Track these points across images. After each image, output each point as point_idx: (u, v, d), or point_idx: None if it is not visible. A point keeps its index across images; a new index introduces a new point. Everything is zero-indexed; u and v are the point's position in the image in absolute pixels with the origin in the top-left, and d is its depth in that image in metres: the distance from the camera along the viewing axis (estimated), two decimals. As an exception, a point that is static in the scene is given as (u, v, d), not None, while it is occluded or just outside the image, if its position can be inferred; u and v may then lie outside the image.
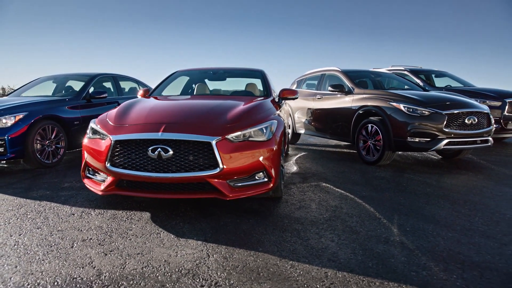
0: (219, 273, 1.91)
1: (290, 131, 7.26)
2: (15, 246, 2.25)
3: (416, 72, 8.12)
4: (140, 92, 4.31)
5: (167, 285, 1.80)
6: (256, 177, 2.81)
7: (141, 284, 1.80)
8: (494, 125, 6.55)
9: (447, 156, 5.52)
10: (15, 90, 6.29)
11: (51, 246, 2.25)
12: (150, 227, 2.59)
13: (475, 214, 2.89)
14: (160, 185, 2.70)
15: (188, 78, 4.89)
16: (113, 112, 3.18)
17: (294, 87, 7.55)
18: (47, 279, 1.85)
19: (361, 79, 5.87)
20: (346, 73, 5.91)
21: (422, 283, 1.82)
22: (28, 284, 1.80)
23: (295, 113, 7.03)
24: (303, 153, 6.08)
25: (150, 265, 2.00)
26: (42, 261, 2.05)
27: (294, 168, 4.74)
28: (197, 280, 1.84)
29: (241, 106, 3.22)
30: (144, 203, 3.11)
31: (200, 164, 2.61)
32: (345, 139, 5.60)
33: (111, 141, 2.71)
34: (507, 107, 6.53)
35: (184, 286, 1.79)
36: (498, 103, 6.56)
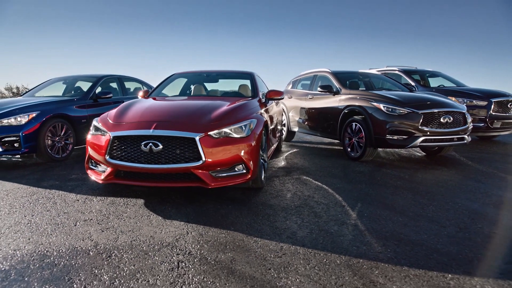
0: (193, 246, 2.32)
1: (285, 128, 7.66)
2: (28, 224, 2.70)
3: (409, 73, 8.39)
4: (140, 93, 4.75)
5: (150, 253, 2.21)
6: (236, 169, 3.21)
7: (129, 252, 2.22)
8: (481, 124, 6.87)
9: (430, 153, 5.83)
10: (29, 90, 6.80)
11: (58, 225, 2.69)
12: (143, 210, 3.01)
13: (431, 203, 3.23)
14: (151, 175, 3.12)
15: (185, 80, 5.31)
16: (113, 111, 3.61)
17: (289, 87, 7.92)
18: (54, 248, 2.29)
19: (349, 80, 6.21)
20: (335, 74, 6.26)
21: (359, 254, 2.19)
22: (39, 251, 2.23)
23: (289, 112, 7.41)
24: (295, 150, 6.46)
25: (138, 239, 2.42)
26: (50, 235, 2.49)
27: (282, 163, 5.12)
28: (175, 250, 2.25)
29: (225, 106, 3.62)
30: (140, 191, 3.54)
31: (185, 157, 3.02)
32: (333, 136, 5.96)
33: (110, 137, 3.14)
34: (492, 106, 6.79)
35: (163, 254, 2.20)
36: (484, 103, 6.83)
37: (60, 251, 2.24)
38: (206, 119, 3.29)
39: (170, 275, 1.94)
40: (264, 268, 2.02)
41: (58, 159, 5.08)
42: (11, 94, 17.60)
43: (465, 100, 6.92)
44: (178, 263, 2.08)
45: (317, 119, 6.39)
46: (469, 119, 5.09)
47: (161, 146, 3.00)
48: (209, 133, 3.09)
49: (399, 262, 2.09)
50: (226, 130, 3.18)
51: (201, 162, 2.99)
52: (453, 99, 6.98)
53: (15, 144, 4.62)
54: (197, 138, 3.01)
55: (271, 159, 5.41)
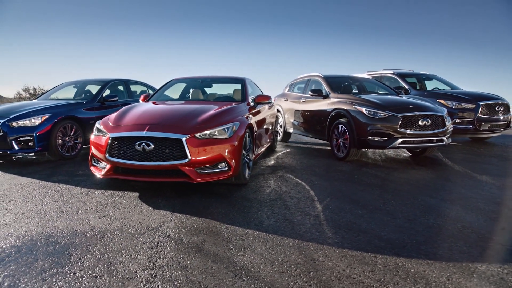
0: (173, 230, 2.75)
1: (282, 130, 8.05)
2: (38, 212, 3.18)
3: (403, 76, 8.66)
4: (141, 97, 5.23)
5: (136, 236, 2.65)
6: (219, 166, 3.63)
7: (119, 234, 2.66)
8: (469, 126, 7.12)
9: (415, 153, 6.14)
10: (44, 93, 7.37)
11: (63, 212, 3.16)
12: (136, 202, 3.46)
13: (393, 198, 3.59)
14: (145, 171, 3.56)
15: (182, 84, 5.76)
16: (113, 115, 4.08)
17: (286, 90, 8.31)
18: (58, 230, 2.75)
19: (339, 84, 6.57)
20: (326, 78, 6.63)
21: (310, 239, 2.58)
22: (45, 233, 2.70)
23: (285, 114, 7.80)
24: (288, 150, 6.85)
25: (128, 225, 2.86)
26: (56, 221, 2.95)
27: (272, 162, 5.52)
28: (157, 234, 2.68)
29: (212, 110, 4.04)
30: (136, 185, 4.00)
31: (174, 156, 3.46)
32: (323, 137, 6.32)
33: (109, 137, 3.60)
34: (480, 109, 7.04)
35: (147, 236, 2.64)
36: (472, 106, 7.08)
37: (63, 232, 2.70)
38: (194, 122, 3.72)
39: (150, 252, 2.38)
40: (227, 248, 2.43)
41: (68, 157, 5.59)
42: (28, 95, 18.46)
43: (454, 103, 7.19)
44: (158, 243, 2.51)
45: (309, 121, 6.76)
46: (448, 122, 5.39)
47: (152, 146, 3.45)
48: (195, 134, 3.51)
49: (342, 245, 2.47)
50: (211, 131, 3.61)
51: (187, 160, 3.42)
52: (443, 102, 7.28)
53: (29, 143, 5.15)
54: (183, 139, 3.44)
55: (263, 158, 5.81)
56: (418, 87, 8.60)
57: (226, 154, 3.60)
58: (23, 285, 1.95)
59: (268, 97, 5.01)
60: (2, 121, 5.08)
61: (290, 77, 7.82)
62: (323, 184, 4.17)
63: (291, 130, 7.68)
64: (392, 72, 8.90)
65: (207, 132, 3.59)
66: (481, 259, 2.27)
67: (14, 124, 5.09)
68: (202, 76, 5.87)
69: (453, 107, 7.16)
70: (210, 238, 2.59)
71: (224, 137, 3.65)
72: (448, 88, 8.69)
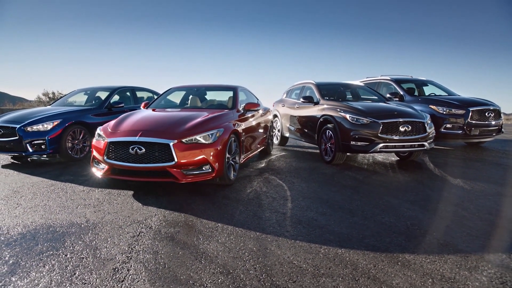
0: (155, 223, 3.18)
1: (279, 134, 8.43)
2: (44, 206, 3.67)
3: (399, 82, 8.90)
4: (142, 104, 5.73)
5: (122, 227, 3.09)
6: (203, 168, 4.05)
7: (109, 225, 3.11)
8: (460, 131, 7.33)
9: (402, 157, 6.42)
10: (58, 99, 7.99)
11: (64, 207, 3.64)
12: (129, 199, 3.92)
13: (361, 199, 3.93)
14: (137, 172, 4.01)
15: (179, 92, 6.24)
16: (112, 122, 4.56)
17: (284, 96, 8.69)
18: (57, 221, 3.22)
19: (329, 91, 6.92)
20: (318, 86, 6.98)
21: (270, 232, 2.96)
22: (47, 223, 3.17)
23: (282, 119, 8.18)
24: (283, 153, 7.23)
25: (117, 218, 3.31)
26: (57, 214, 3.43)
27: (262, 165, 5.91)
28: (141, 225, 3.12)
29: (200, 118, 4.47)
30: (132, 185, 4.46)
31: (162, 158, 3.90)
32: (313, 142, 6.67)
33: (107, 142, 4.08)
34: (470, 115, 7.24)
35: (132, 227, 3.07)
36: (462, 112, 7.29)
37: (62, 223, 3.17)
38: (181, 128, 4.15)
39: (131, 240, 2.81)
40: (196, 238, 2.84)
41: (76, 159, 6.13)
42: (47, 99, 19.52)
43: (444, 109, 7.41)
44: (139, 233, 2.94)
45: (302, 126, 7.12)
46: (430, 128, 5.66)
47: (144, 150, 3.90)
48: (181, 140, 3.95)
49: (296, 238, 2.85)
50: (196, 137, 4.03)
51: (174, 162, 3.86)
52: (434, 107, 7.52)
53: (42, 146, 5.71)
54: (171, 144, 3.88)
55: (256, 160, 6.21)
56: (416, 93, 8.83)
57: (210, 157, 4.02)
58: (24, 263, 2.41)
59: (256, 105, 5.42)
60: (18, 126, 5.66)
61: (293, 83, 8.19)
62: (301, 185, 4.53)
63: (287, 135, 8.05)
64: (389, 78, 9.15)
65: (193, 137, 4.02)
66: (412, 251, 2.61)
67: (28, 128, 5.67)
68: (198, 84, 6.32)
69: (444, 113, 7.38)
70: (184, 230, 3.01)
71: (208, 142, 4.07)
72: (444, 93, 8.89)
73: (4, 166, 5.82)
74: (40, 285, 2.14)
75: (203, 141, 4.05)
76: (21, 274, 2.27)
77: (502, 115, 7.65)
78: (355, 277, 2.22)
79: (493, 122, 7.46)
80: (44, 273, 2.28)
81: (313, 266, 2.36)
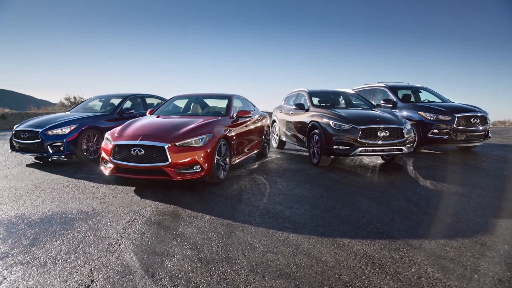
0: (148, 213, 3.84)
1: (277, 138, 9.02)
2: (60, 198, 4.40)
3: (394, 89, 9.33)
4: (148, 111, 6.46)
5: (121, 214, 3.76)
6: (194, 168, 4.69)
7: (110, 213, 3.79)
8: (446, 137, 7.72)
9: (387, 161, 6.90)
10: (77, 105, 8.85)
11: (76, 199, 4.36)
12: (131, 194, 4.60)
13: (330, 196, 4.47)
14: (137, 171, 4.70)
15: (181, 100, 6.95)
16: (119, 127, 5.28)
17: (282, 103, 9.28)
18: (69, 210, 3.93)
19: (319, 99, 7.47)
20: (310, 93, 7.55)
21: (240, 221, 3.56)
22: (61, 211, 3.88)
23: (279, 124, 8.77)
24: (278, 156, 7.82)
25: (118, 208, 4.00)
26: (70, 204, 4.15)
27: (255, 166, 6.52)
28: (136, 214, 3.78)
29: (195, 124, 5.13)
30: (136, 183, 5.16)
31: (158, 159, 4.57)
32: (304, 146, 7.23)
33: (113, 144, 4.79)
34: (456, 120, 7.63)
35: (128, 215, 3.74)
36: (448, 118, 7.69)
37: (72, 212, 3.88)
38: (176, 133, 4.82)
39: (126, 224, 3.47)
40: (178, 224, 3.48)
41: (90, 159, 6.91)
42: (69, 103, 20.75)
43: (432, 115, 7.83)
44: (134, 219, 3.61)
45: (295, 131, 7.69)
46: (408, 134, 6.13)
47: (143, 152, 4.58)
48: (175, 143, 4.61)
49: (260, 225, 3.44)
50: (188, 141, 4.69)
51: (168, 163, 4.52)
52: (422, 114, 7.96)
53: (60, 148, 6.51)
54: (166, 147, 4.54)
55: (251, 162, 6.82)
56: (412, 99, 9.26)
57: (200, 159, 4.66)
58: (41, 239, 3.11)
59: (248, 112, 6.05)
60: (41, 130, 6.48)
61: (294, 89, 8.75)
62: (282, 184, 5.11)
63: (284, 139, 8.63)
64: (384, 85, 9.60)
65: (185, 141, 4.67)
66: (351, 236, 3.16)
67: (49, 132, 6.48)
68: (197, 93, 7.01)
69: (431, 119, 7.80)
70: (170, 218, 3.66)
71: (198, 145, 4.72)
72: (438, 99, 9.27)
73: (28, 165, 6.65)
74: (53, 253, 2.82)
75: (195, 145, 4.70)
76: (38, 245, 2.96)
77: (488, 121, 7.99)
78: (294, 253, 2.81)
79: (480, 128, 7.82)
80: (56, 245, 2.97)
81: (264, 245, 2.95)
